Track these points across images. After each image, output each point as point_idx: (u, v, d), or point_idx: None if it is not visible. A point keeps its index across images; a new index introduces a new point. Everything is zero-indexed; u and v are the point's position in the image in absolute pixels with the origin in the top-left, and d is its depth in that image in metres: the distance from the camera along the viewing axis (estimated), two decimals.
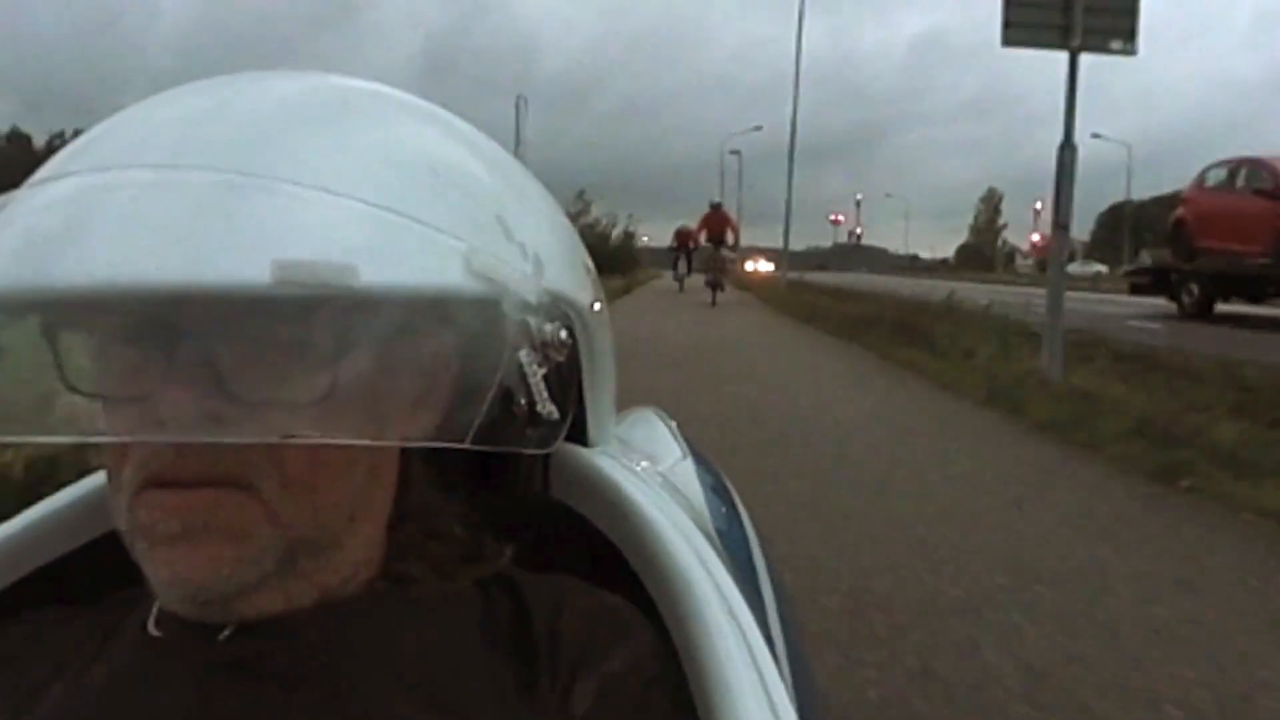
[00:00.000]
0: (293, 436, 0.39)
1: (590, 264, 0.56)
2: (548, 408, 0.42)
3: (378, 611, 0.46)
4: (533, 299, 0.42)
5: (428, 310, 0.39)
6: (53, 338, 0.41)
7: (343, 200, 0.37)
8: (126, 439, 0.41)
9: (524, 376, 0.41)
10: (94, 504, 0.58)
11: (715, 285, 15.46)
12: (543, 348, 0.42)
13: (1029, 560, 2.66)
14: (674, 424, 1.00)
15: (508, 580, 0.51)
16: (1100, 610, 2.29)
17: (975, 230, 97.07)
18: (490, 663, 0.45)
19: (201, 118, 0.39)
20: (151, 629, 0.45)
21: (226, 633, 0.43)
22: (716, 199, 16.54)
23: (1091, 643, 2.08)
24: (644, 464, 0.69)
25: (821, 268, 71.19)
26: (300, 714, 0.42)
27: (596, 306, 0.53)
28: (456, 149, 0.45)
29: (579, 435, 0.59)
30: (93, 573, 0.53)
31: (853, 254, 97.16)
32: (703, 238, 15.99)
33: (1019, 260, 79.90)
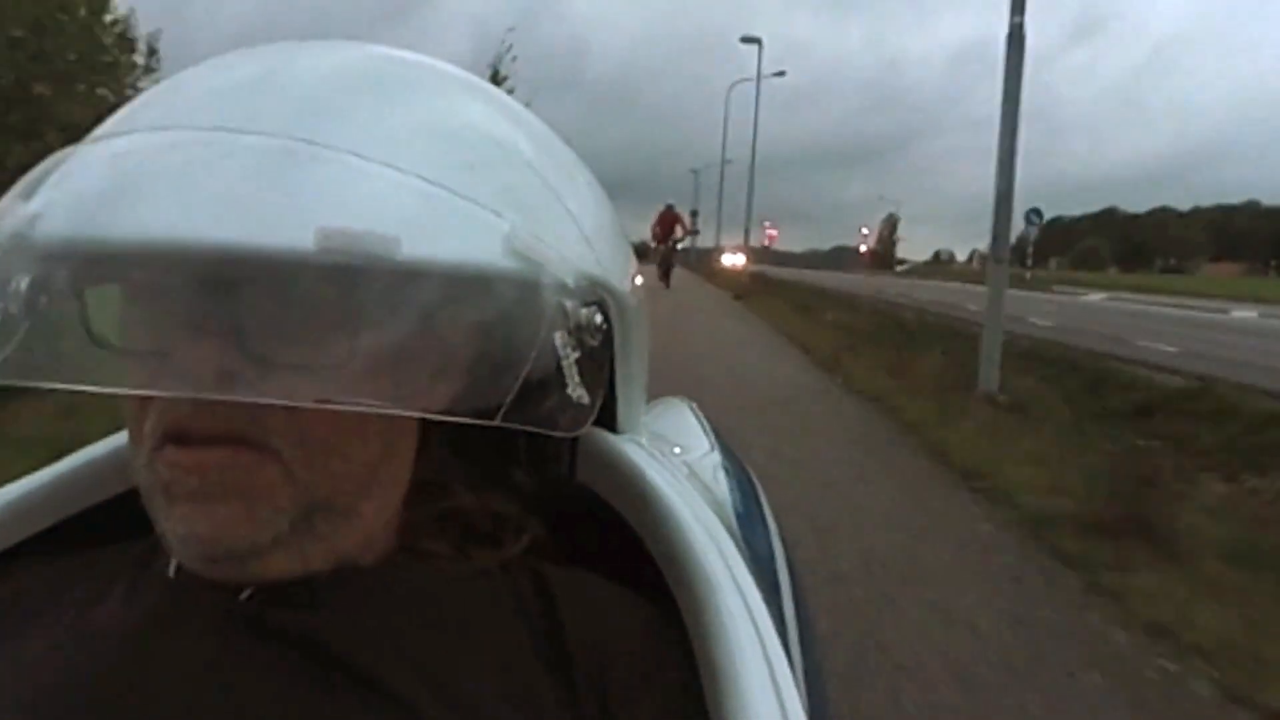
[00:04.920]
0: (326, 400, 0.39)
1: (631, 252, 0.56)
2: (578, 391, 0.42)
3: (396, 583, 0.47)
4: (571, 282, 0.42)
5: (467, 286, 0.39)
6: (82, 291, 0.41)
7: (391, 172, 0.37)
8: (141, 392, 0.41)
9: (557, 358, 0.41)
10: (114, 463, 0.58)
11: (667, 272, 18.37)
12: (577, 331, 0.42)
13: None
14: (703, 415, 1.00)
15: (533, 570, 0.50)
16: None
17: (879, 241, 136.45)
18: (512, 650, 0.45)
19: (258, 83, 0.40)
20: (172, 575, 0.45)
21: (247, 593, 0.43)
22: (670, 201, 19.24)
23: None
24: (671, 453, 0.69)
25: (810, 267, 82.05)
26: (312, 676, 0.42)
27: (634, 294, 0.53)
28: (506, 126, 0.46)
29: (608, 421, 0.59)
30: (111, 529, 0.53)
31: (846, 256, 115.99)
32: (657, 232, 18.78)
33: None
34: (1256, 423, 4.51)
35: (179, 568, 0.44)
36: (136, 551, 0.48)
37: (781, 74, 32.65)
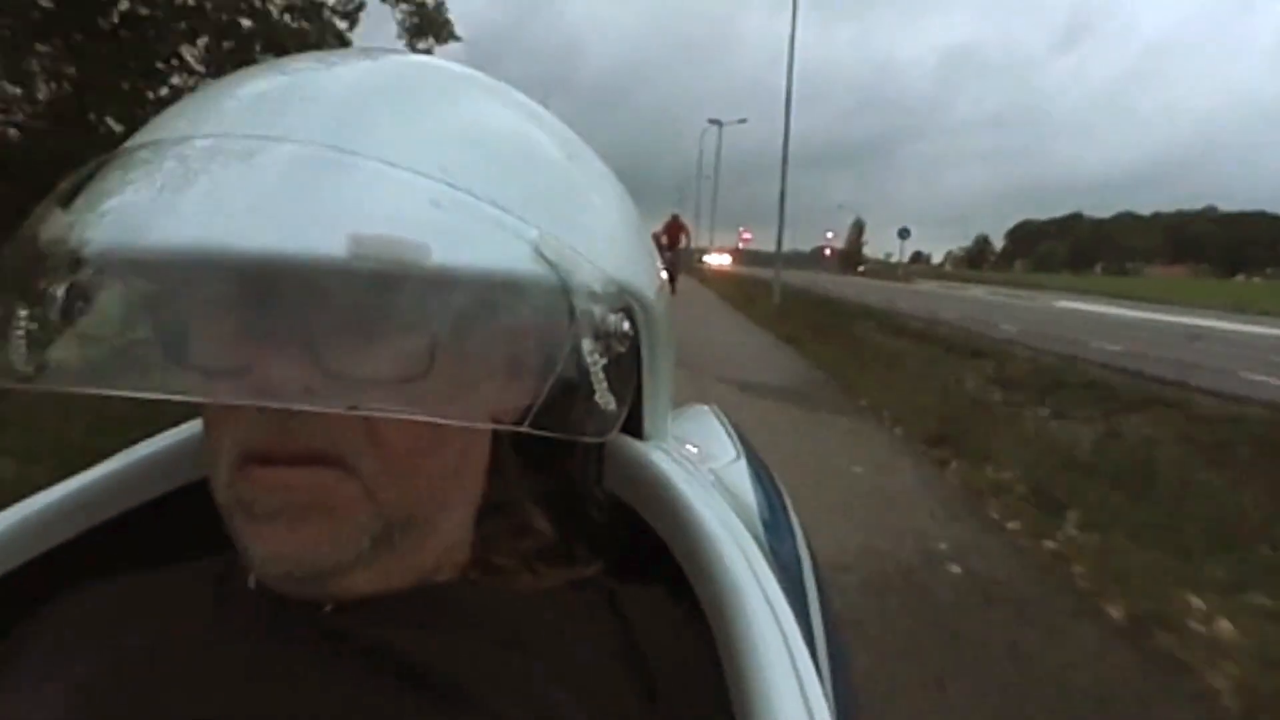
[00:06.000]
0: (377, 410, 0.39)
1: (657, 257, 0.56)
2: (606, 397, 0.43)
3: (474, 599, 0.47)
4: (598, 288, 0.42)
5: (495, 293, 0.39)
6: (153, 305, 0.41)
7: (420, 179, 0.38)
8: (233, 401, 0.41)
9: (585, 365, 0.42)
10: (181, 454, 0.60)
11: (673, 278, 17.25)
12: (605, 337, 0.42)
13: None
14: (730, 422, 1.01)
15: (605, 589, 0.50)
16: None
17: (849, 244, 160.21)
18: (595, 669, 0.45)
19: (290, 92, 0.40)
20: (252, 587, 0.46)
21: (330, 606, 0.44)
22: (675, 211, 20.29)
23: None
24: (697, 460, 0.69)
25: (790, 267, 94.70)
26: (397, 689, 0.42)
27: (660, 300, 0.53)
28: (533, 132, 0.46)
29: (634, 427, 0.59)
30: (176, 521, 0.54)
31: (822, 258, 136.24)
32: (664, 240, 19.06)
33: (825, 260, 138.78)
34: (889, 316, 15.12)
35: (258, 581, 0.45)
36: (212, 569, 0.49)
37: (743, 121, 42.30)
